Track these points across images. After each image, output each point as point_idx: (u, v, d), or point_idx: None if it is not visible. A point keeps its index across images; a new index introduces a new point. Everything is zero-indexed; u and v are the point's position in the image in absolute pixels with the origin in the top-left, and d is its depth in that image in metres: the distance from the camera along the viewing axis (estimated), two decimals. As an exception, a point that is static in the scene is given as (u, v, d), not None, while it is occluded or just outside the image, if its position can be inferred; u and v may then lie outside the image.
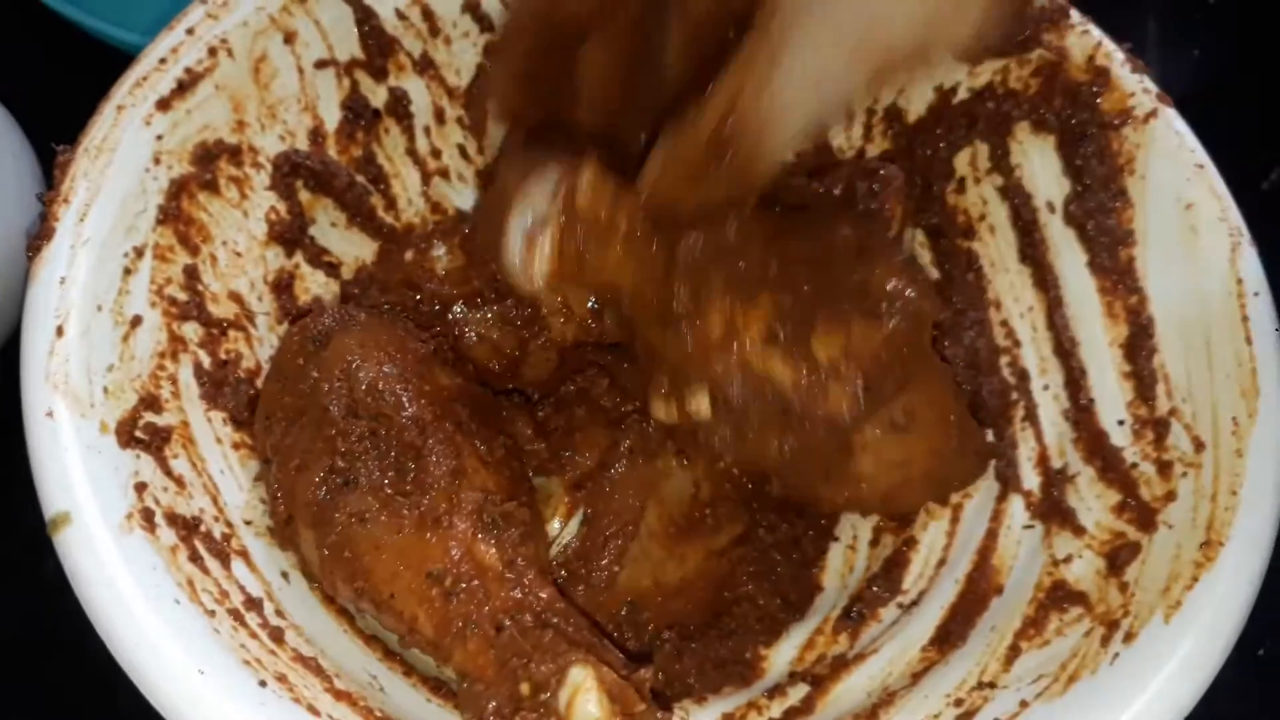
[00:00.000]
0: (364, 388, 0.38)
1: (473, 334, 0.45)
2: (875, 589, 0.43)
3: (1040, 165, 0.47)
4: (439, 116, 0.52)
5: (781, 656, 0.42)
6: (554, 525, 0.40)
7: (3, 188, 0.46)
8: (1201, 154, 0.43)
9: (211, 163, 0.44)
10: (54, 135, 0.41)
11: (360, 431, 0.37)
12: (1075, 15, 0.46)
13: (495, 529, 0.35)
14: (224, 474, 0.39)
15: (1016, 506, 0.43)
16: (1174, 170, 0.43)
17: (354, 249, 0.49)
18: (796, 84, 0.32)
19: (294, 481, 0.37)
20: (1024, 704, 0.35)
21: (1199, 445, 0.39)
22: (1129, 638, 0.35)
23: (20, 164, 0.48)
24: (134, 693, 0.47)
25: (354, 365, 0.38)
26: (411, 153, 0.51)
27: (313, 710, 0.33)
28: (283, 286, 0.46)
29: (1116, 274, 0.44)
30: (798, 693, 0.40)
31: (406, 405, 0.37)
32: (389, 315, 0.43)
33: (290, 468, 0.37)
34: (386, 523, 0.35)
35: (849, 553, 0.46)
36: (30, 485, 0.41)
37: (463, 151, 0.53)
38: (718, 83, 0.33)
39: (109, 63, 0.45)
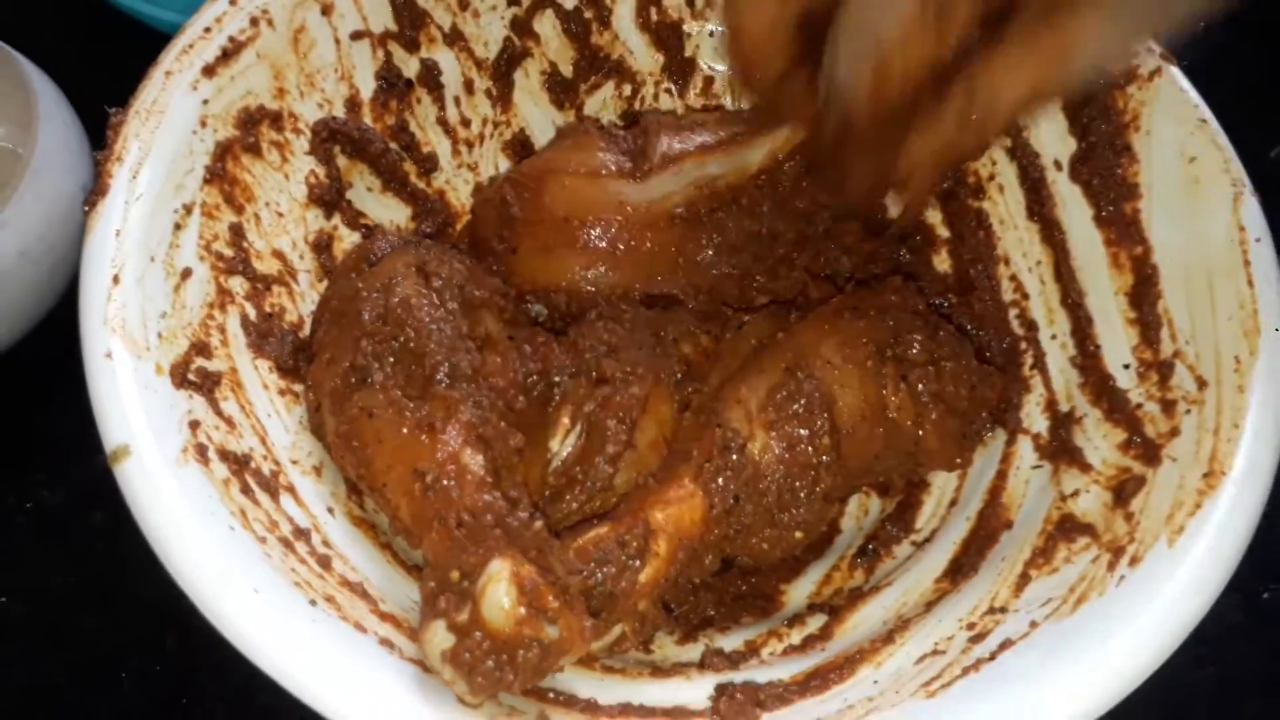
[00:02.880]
0: (396, 300, 0.41)
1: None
2: (890, 528, 0.45)
3: (1047, 125, 0.48)
4: (468, 87, 0.54)
5: (799, 591, 0.44)
6: (554, 444, 0.42)
7: (57, 153, 0.48)
8: (1204, 109, 0.44)
9: (254, 127, 0.46)
10: (97, 108, 0.43)
11: (383, 336, 0.40)
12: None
13: (484, 443, 0.37)
14: (271, 417, 0.41)
15: (1025, 448, 0.45)
16: (1177, 125, 0.44)
17: (389, 213, 0.52)
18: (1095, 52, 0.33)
19: (324, 373, 0.40)
20: (1034, 624, 0.37)
21: (1202, 384, 0.40)
22: (1134, 561, 0.37)
23: (69, 132, 0.50)
24: (179, 636, 0.50)
25: (395, 281, 0.41)
26: (442, 122, 0.53)
27: (360, 627, 0.35)
28: (322, 246, 0.48)
29: (1122, 226, 0.45)
30: (816, 621, 0.42)
31: (430, 325, 0.40)
32: (460, 254, 0.45)
33: (324, 360, 0.41)
34: (390, 420, 0.38)
35: (864, 497, 0.48)
36: (75, 443, 0.43)
37: (490, 122, 0.55)
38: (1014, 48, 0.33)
39: (148, 40, 0.48)
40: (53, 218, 0.48)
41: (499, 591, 0.32)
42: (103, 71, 0.48)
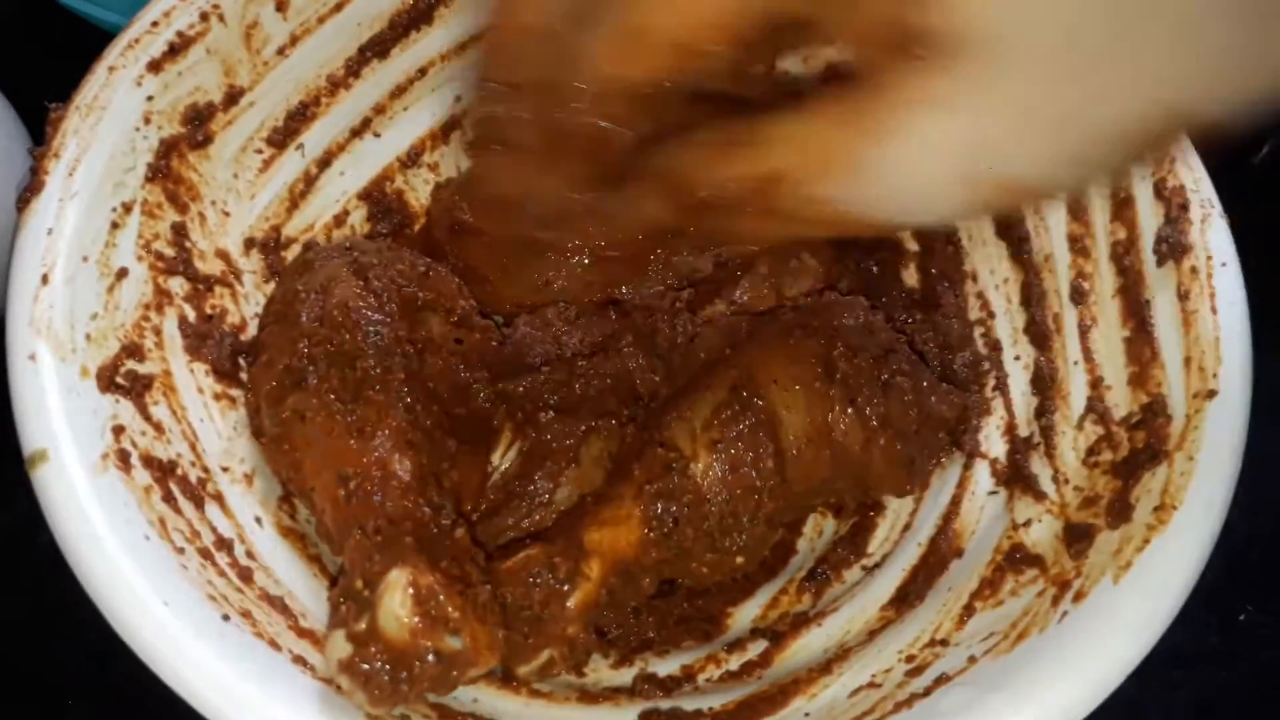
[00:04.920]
0: (335, 302, 0.40)
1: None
2: (841, 551, 0.44)
3: (1018, 139, 0.47)
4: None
5: (745, 614, 0.43)
6: (495, 457, 0.41)
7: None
8: (1175, 127, 0.43)
9: (202, 124, 0.45)
10: (36, 109, 0.42)
11: (319, 338, 0.39)
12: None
13: (413, 448, 0.36)
14: (204, 422, 0.41)
15: (982, 473, 0.43)
16: (1148, 143, 0.43)
17: (343, 214, 0.51)
18: (898, 176, 0.27)
19: (262, 374, 0.40)
20: (972, 659, 0.35)
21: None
22: (1078, 597, 0.35)
23: (13, 143, 0.49)
24: (128, 663, 0.49)
25: (335, 283, 0.41)
26: (402, 120, 0.52)
27: (274, 644, 0.34)
28: (270, 247, 0.47)
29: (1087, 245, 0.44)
30: (756, 647, 0.41)
31: (367, 329, 0.39)
32: (408, 256, 0.44)
33: (263, 361, 0.40)
34: (321, 424, 0.37)
35: (819, 518, 0.46)
36: (23, 464, 0.43)
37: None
38: (797, 118, 0.29)
39: (91, 41, 0.47)
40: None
41: (394, 601, 0.31)
42: (51, 79, 0.47)
